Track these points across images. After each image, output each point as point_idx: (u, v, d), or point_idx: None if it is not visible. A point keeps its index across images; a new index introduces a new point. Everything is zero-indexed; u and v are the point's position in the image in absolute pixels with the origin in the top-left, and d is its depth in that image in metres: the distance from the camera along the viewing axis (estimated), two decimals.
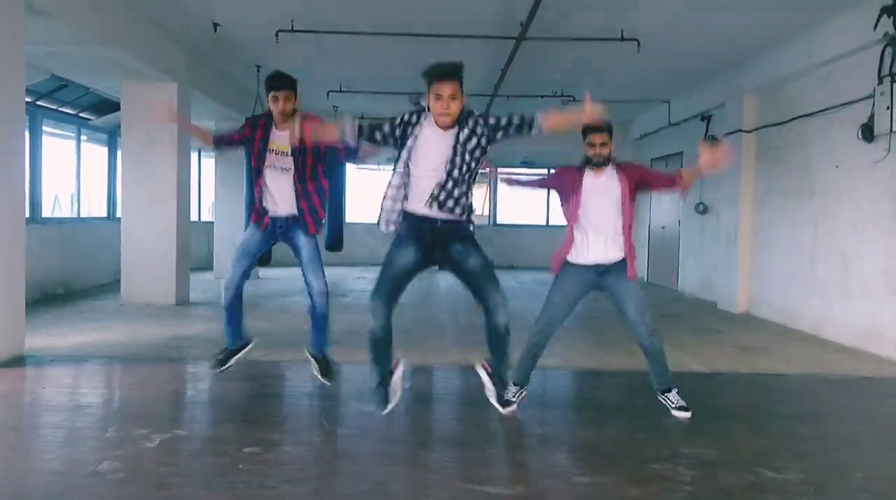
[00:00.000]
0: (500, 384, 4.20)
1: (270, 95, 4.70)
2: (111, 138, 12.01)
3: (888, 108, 6.57)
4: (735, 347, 7.16)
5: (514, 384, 4.63)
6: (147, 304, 9.02)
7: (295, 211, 4.77)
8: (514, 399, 4.56)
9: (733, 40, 8.48)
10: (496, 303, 3.98)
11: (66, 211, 11.19)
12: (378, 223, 4.01)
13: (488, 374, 4.19)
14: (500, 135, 3.94)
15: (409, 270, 3.99)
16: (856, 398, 5.37)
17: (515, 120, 3.90)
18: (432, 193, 3.86)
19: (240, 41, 8.96)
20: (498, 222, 18.08)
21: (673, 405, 4.60)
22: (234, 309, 4.96)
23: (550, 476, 3.62)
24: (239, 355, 5.07)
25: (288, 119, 4.69)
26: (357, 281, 12.85)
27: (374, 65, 10.22)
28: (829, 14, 7.34)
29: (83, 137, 11.38)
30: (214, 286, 11.31)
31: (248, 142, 4.82)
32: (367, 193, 17.78)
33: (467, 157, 3.88)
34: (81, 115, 11.08)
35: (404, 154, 3.94)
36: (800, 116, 8.41)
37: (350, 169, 15.96)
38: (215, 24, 8.15)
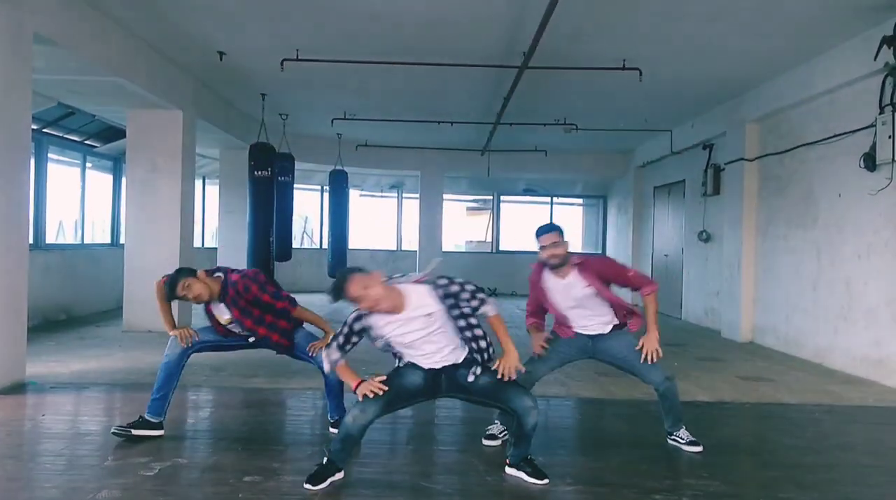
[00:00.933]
0: (529, 465, 3.96)
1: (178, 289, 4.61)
2: (116, 165, 12.07)
3: (890, 137, 6.59)
4: (739, 376, 7.12)
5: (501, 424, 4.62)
6: (149, 331, 9.00)
7: (267, 336, 4.66)
8: (499, 435, 4.58)
9: (735, 70, 8.54)
10: (527, 406, 3.77)
11: (69, 238, 11.22)
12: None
13: (517, 467, 3.97)
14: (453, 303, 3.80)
15: (413, 390, 3.84)
16: (861, 428, 5.32)
17: (466, 295, 3.79)
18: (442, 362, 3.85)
19: (245, 70, 9.05)
20: (500, 249, 18.09)
21: (683, 442, 4.55)
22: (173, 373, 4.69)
23: None
24: (146, 432, 4.50)
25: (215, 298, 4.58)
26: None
27: (378, 93, 10.30)
28: (831, 44, 7.39)
29: (88, 164, 11.44)
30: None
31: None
32: (369, 219, 17.88)
33: (452, 317, 3.79)
34: (87, 142, 11.16)
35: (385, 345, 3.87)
36: (802, 145, 8.44)
37: (353, 197, 16.03)
38: (221, 53, 8.24)
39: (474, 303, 3.80)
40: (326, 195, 15.87)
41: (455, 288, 3.77)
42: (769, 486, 3.89)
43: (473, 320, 3.82)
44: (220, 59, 8.37)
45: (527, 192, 18.01)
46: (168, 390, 4.60)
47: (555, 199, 18.30)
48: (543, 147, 14.82)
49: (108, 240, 12.07)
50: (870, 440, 5.04)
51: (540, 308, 4.67)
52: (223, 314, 4.64)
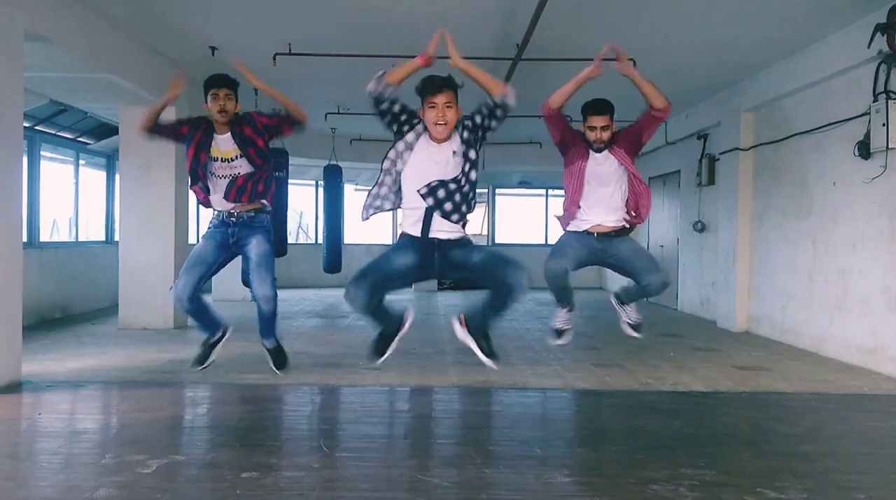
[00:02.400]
0: (485, 339, 4.08)
1: (210, 93, 4.64)
2: (109, 162, 12.04)
3: (884, 125, 6.59)
4: (735, 365, 7.14)
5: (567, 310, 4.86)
6: (145, 328, 8.99)
7: (245, 212, 4.71)
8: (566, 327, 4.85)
9: (729, 59, 8.53)
10: (521, 282, 3.80)
11: (64, 235, 11.19)
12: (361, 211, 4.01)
13: (469, 330, 4.07)
14: (486, 132, 3.97)
15: (403, 272, 3.90)
16: (857, 417, 5.34)
17: (486, 109, 3.95)
18: (428, 213, 3.84)
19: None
20: (496, 242, 18.09)
21: (628, 319, 4.87)
22: (198, 308, 4.79)
23: (551, 498, 3.59)
24: (217, 347, 4.93)
25: (229, 122, 4.65)
26: None
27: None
28: (825, 32, 7.39)
29: (81, 162, 11.40)
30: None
31: (185, 141, 4.75)
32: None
33: (466, 167, 3.86)
34: (80, 139, 11.11)
35: (395, 161, 3.93)
36: (796, 134, 8.45)
37: (348, 191, 16.01)
38: (213, 48, 8.20)
39: (484, 112, 3.96)
40: (321, 190, 15.83)
41: (481, 117, 3.94)
42: (766, 475, 3.90)
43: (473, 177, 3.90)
44: (213, 55, 8.33)
45: (522, 184, 18.01)
46: (209, 317, 4.84)
47: (550, 191, 18.29)
48: (538, 139, 14.80)
49: (102, 237, 12.04)
50: (866, 428, 5.06)
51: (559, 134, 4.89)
52: (226, 147, 4.65)
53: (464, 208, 3.88)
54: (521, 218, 18.56)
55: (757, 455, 4.31)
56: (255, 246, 4.72)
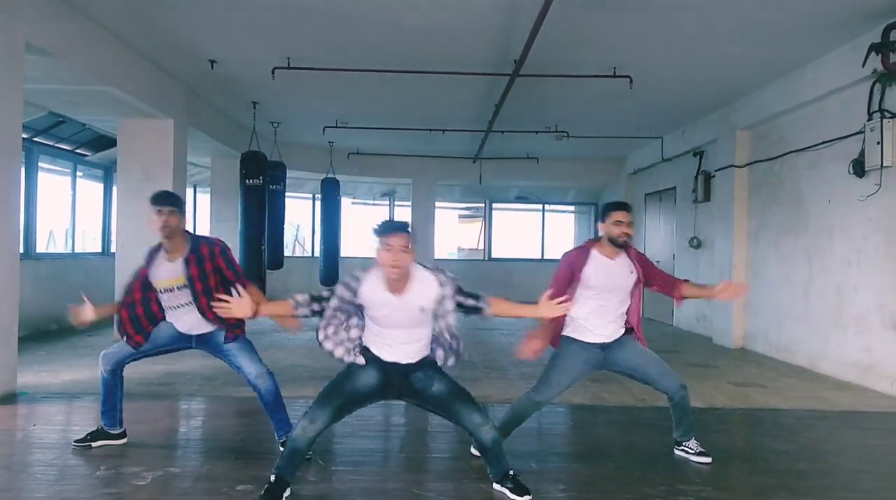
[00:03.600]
0: (511, 482, 3.81)
1: (155, 208, 4.34)
2: (107, 174, 12.05)
3: (878, 143, 6.65)
4: (731, 382, 7.14)
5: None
6: None
7: (209, 329, 4.39)
8: None
9: (725, 77, 8.60)
10: (475, 423, 3.71)
11: (60, 247, 11.17)
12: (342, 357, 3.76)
13: (500, 483, 3.83)
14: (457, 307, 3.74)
15: (365, 392, 3.71)
16: (853, 434, 5.34)
17: (470, 302, 3.72)
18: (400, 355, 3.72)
19: (236, 78, 9.05)
20: (493, 257, 18.11)
21: (693, 452, 4.47)
22: (113, 384, 4.50)
23: None
24: (102, 441, 4.49)
25: (173, 238, 4.37)
26: None
27: (369, 101, 10.32)
28: (820, 52, 7.46)
29: (79, 173, 11.42)
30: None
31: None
32: (361, 227, 17.87)
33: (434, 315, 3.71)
34: (78, 151, 11.14)
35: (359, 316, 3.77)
36: (792, 152, 8.50)
37: (345, 204, 16.03)
38: (212, 62, 8.24)
39: (470, 302, 3.71)
40: (318, 203, 15.86)
41: (458, 284, 3.73)
42: (762, 492, 3.91)
43: (452, 321, 3.73)
44: (212, 68, 8.38)
45: (519, 199, 18.06)
46: (115, 401, 4.51)
47: (547, 206, 18.35)
48: (535, 155, 14.87)
49: (99, 249, 12.03)
50: (861, 445, 5.07)
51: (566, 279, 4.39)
52: (171, 274, 4.31)
53: (431, 343, 3.80)
54: (518, 233, 18.59)
55: (752, 472, 4.31)
56: (221, 337, 4.42)
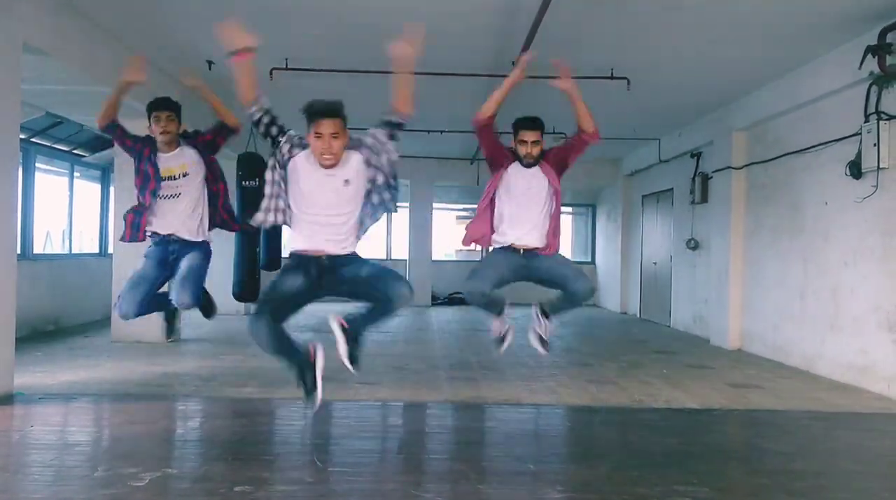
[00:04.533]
0: (355, 344, 4.00)
1: (153, 115, 4.75)
2: (104, 175, 12.03)
3: (875, 145, 6.67)
4: (728, 383, 7.15)
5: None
6: (138, 341, 8.96)
7: (192, 235, 4.83)
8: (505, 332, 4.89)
9: (722, 79, 8.62)
10: (401, 292, 3.83)
11: (57, 247, 11.16)
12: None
13: (344, 330, 3.97)
14: (385, 153, 3.91)
15: (295, 291, 3.85)
16: (849, 435, 5.36)
17: (383, 127, 3.95)
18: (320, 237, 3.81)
19: (233, 79, 9.02)
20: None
21: (540, 331, 4.85)
22: (146, 311, 4.87)
23: None
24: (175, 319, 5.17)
25: (172, 143, 4.79)
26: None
27: (367, 102, 10.28)
28: (816, 54, 7.48)
29: (76, 174, 11.41)
30: (206, 323, 11.25)
31: (132, 154, 4.85)
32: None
33: (361, 192, 3.83)
34: (75, 151, 11.13)
35: (280, 182, 3.85)
36: (788, 153, 8.52)
37: None
38: (209, 62, 8.24)
39: (383, 130, 3.93)
40: None
41: (371, 139, 3.84)
42: (758, 492, 3.92)
43: (388, 196, 3.86)
44: (209, 69, 8.37)
45: None
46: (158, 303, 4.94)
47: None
48: None
49: (96, 250, 12.02)
50: (857, 446, 5.08)
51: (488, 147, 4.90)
52: (173, 161, 4.76)
53: (354, 238, 3.93)
54: None
55: (749, 473, 4.32)
56: (188, 259, 4.79)
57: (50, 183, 10.86)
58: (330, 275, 3.83)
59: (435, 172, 15.88)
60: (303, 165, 3.77)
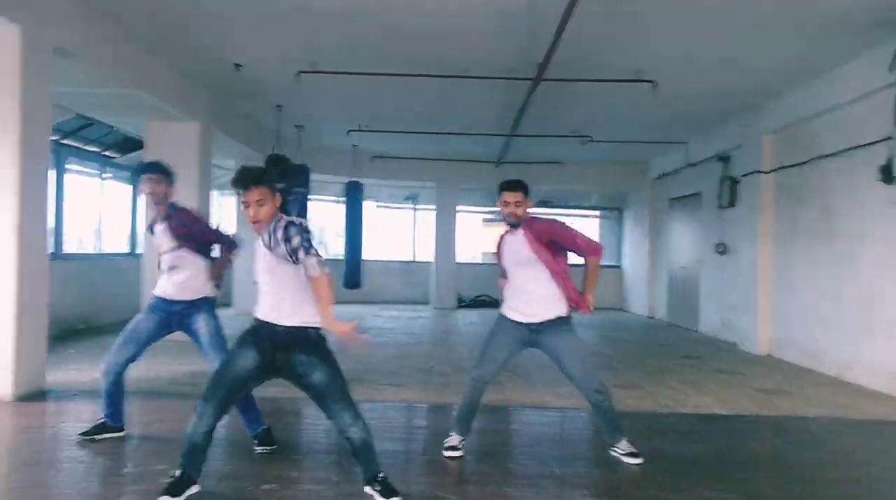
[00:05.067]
0: (380, 484, 3.70)
1: (141, 177, 4.77)
2: (134, 176, 12.18)
3: None
4: (757, 389, 7.07)
5: (458, 435, 4.64)
6: (167, 339, 9.03)
7: (194, 297, 4.80)
8: (459, 447, 4.58)
9: (751, 82, 8.52)
10: (345, 423, 3.61)
11: (88, 247, 11.32)
12: None
13: (370, 485, 3.70)
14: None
15: (247, 375, 3.62)
16: (883, 443, 5.27)
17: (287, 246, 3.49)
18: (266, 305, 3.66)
19: (261, 82, 9.12)
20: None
21: (622, 453, 4.52)
22: (115, 391, 4.76)
23: None
24: (104, 434, 4.72)
25: (161, 204, 4.77)
26: (375, 318, 12.86)
27: (393, 104, 10.35)
28: (847, 57, 7.38)
29: (106, 175, 11.56)
30: (234, 322, 11.31)
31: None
32: (385, 230, 17.93)
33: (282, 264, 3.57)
34: (105, 153, 11.28)
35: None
36: (819, 157, 8.40)
37: (369, 208, 16.07)
38: (237, 65, 8.31)
39: (287, 247, 3.48)
40: (342, 206, 15.90)
41: (286, 233, 3.49)
42: None
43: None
44: (237, 71, 8.45)
45: (542, 204, 17.99)
46: (117, 406, 4.80)
47: (570, 211, 18.27)
48: (558, 159, 14.83)
49: (126, 249, 12.18)
50: (891, 454, 5.00)
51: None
52: (166, 240, 4.75)
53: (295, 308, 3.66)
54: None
55: (779, 480, 4.26)
56: (204, 325, 4.78)
57: (81, 184, 11.02)
58: (286, 359, 3.63)
59: (459, 175, 15.86)
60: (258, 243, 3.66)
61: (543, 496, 3.85)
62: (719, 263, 11.52)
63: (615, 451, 4.57)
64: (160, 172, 4.78)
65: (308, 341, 3.60)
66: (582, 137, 11.89)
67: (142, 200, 4.95)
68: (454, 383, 6.86)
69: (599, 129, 11.62)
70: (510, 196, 4.49)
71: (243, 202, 3.56)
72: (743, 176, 10.35)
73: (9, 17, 5.46)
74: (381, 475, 3.69)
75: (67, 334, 9.50)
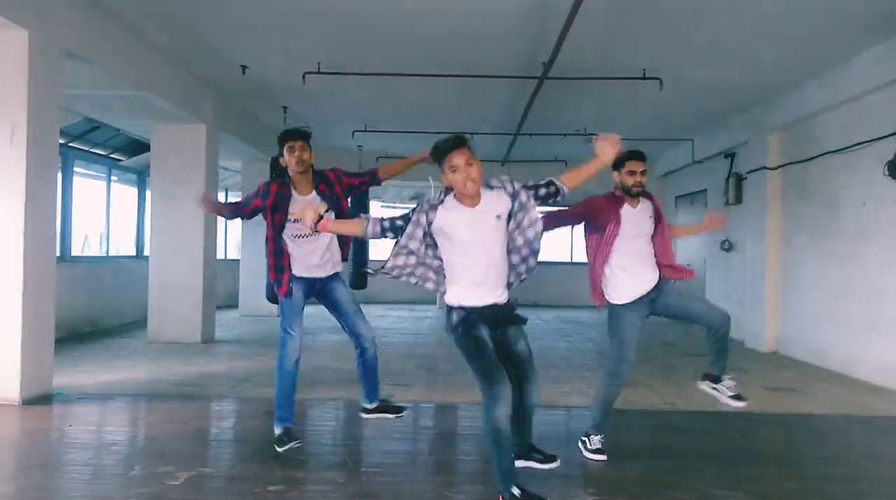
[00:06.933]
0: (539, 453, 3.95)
1: (286, 145, 4.48)
2: (140, 179, 12.24)
3: None
4: (764, 386, 7.05)
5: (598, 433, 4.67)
6: (173, 342, 9.09)
7: (329, 272, 4.64)
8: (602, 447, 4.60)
9: (757, 78, 8.49)
10: (533, 388, 3.91)
11: (95, 250, 11.36)
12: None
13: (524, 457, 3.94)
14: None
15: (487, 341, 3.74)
16: (890, 440, 5.25)
17: (542, 190, 3.85)
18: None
19: (267, 83, 9.14)
20: None
21: (727, 394, 4.57)
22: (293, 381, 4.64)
23: None
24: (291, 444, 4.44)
25: (307, 173, 4.53)
26: (381, 318, 12.87)
27: (398, 104, 10.36)
28: (853, 52, 7.34)
29: (113, 178, 11.61)
30: (240, 324, 11.39)
31: (263, 212, 4.65)
32: None
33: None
34: (112, 156, 11.32)
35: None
36: (824, 153, 8.37)
37: (373, 206, 16.09)
38: (243, 67, 8.33)
39: (542, 190, 3.77)
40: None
41: (527, 193, 3.71)
42: (795, 497, 3.86)
43: (540, 227, 3.75)
44: (243, 73, 8.46)
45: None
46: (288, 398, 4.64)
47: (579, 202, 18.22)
48: (564, 157, 14.80)
49: (132, 252, 12.22)
50: None
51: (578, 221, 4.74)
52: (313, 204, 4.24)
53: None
54: (547, 236, 18.48)
55: (786, 477, 4.25)
56: (344, 293, 4.73)
57: (88, 187, 11.06)
58: (502, 328, 3.81)
59: None
60: (446, 215, 3.69)
61: (549, 494, 3.84)
62: (725, 260, 11.50)
63: (717, 389, 4.63)
64: (307, 138, 4.55)
65: (513, 309, 3.79)
66: (587, 135, 11.86)
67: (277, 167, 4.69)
68: (460, 383, 6.85)
69: (605, 127, 11.54)
70: (637, 165, 4.48)
71: (452, 167, 3.60)
72: (749, 173, 10.32)
73: (16, 20, 5.48)
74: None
75: (74, 336, 9.53)
